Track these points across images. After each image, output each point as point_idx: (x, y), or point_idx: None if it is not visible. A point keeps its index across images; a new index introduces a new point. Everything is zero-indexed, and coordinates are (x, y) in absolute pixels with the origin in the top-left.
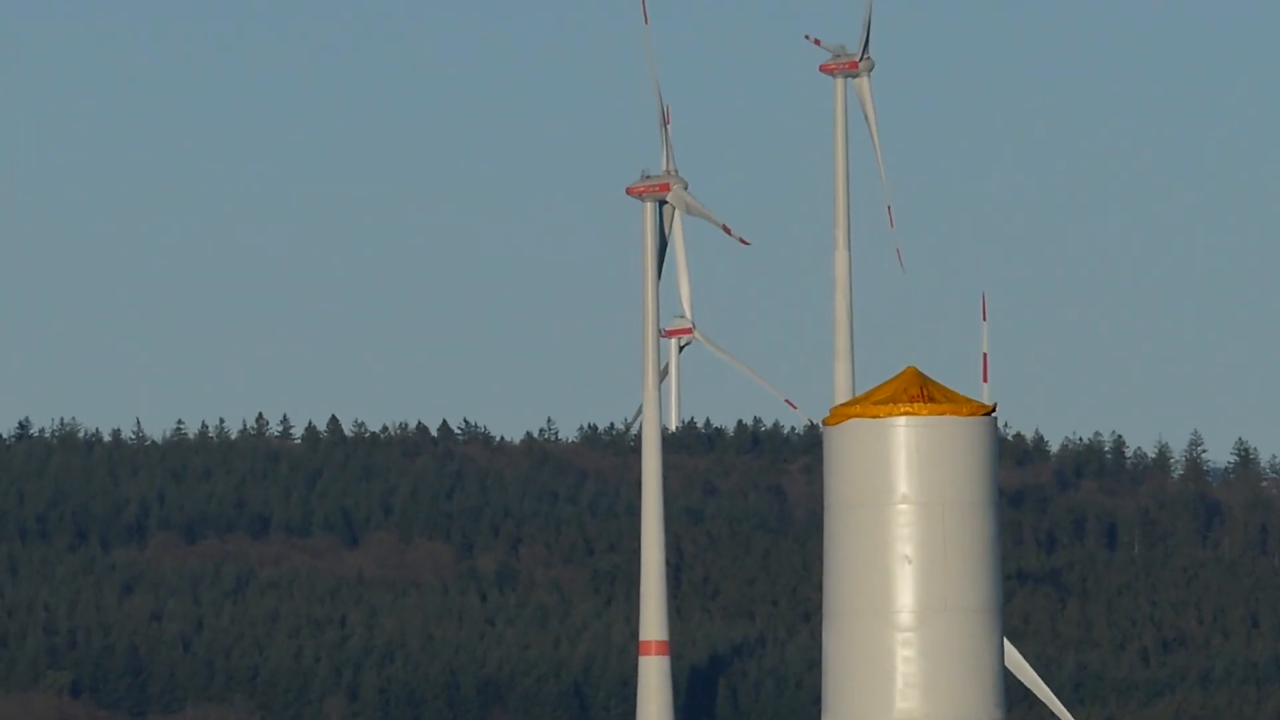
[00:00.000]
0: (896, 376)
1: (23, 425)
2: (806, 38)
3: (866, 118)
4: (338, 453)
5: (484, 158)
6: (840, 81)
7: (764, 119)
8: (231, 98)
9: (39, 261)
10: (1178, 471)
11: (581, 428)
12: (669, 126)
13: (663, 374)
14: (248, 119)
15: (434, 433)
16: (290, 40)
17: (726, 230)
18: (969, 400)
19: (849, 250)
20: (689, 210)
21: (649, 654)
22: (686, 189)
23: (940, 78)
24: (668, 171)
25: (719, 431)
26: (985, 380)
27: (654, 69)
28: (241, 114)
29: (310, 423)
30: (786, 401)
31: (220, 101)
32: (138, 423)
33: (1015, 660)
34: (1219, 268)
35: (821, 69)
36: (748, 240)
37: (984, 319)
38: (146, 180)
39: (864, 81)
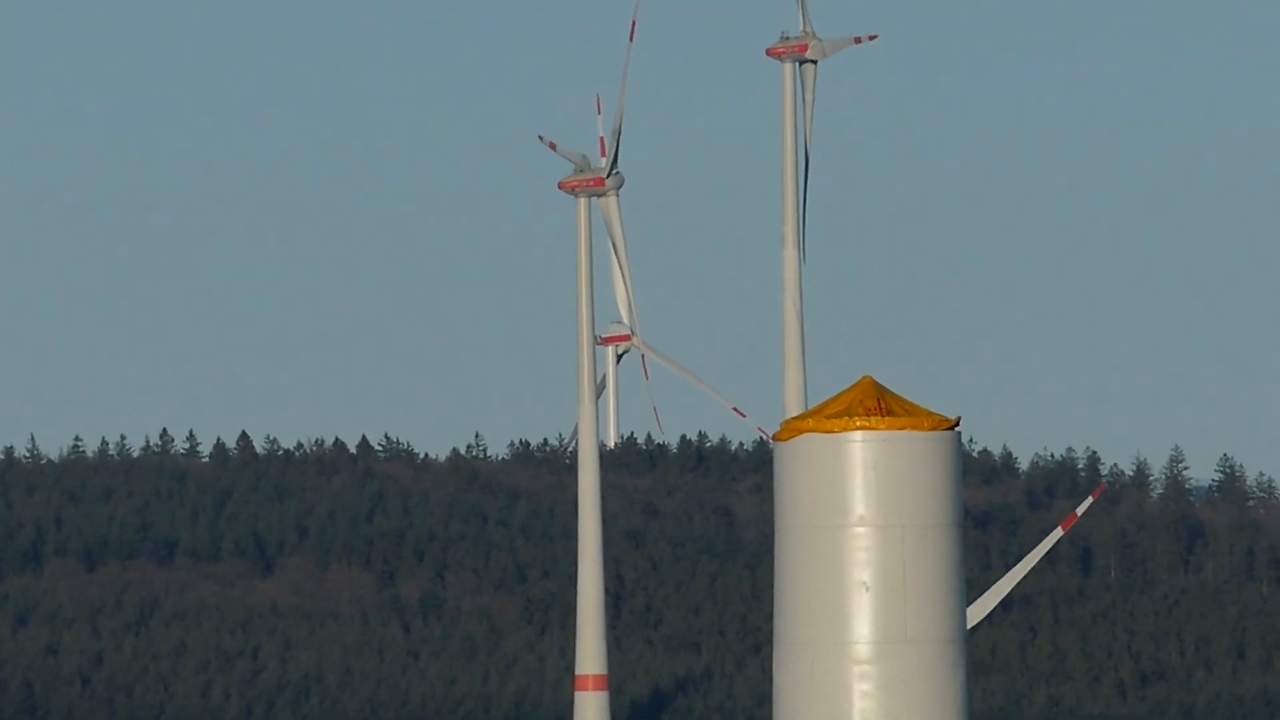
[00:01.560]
0: (852, 387)
1: None
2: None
3: (611, 234)
4: (249, 472)
5: (405, 155)
6: (789, 66)
7: (707, 109)
8: (145, 96)
9: None
10: (1157, 490)
11: (512, 444)
12: (600, 117)
13: (600, 387)
14: (151, 117)
15: (353, 450)
16: (229, 37)
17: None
18: (930, 413)
19: (799, 248)
20: (608, 229)
21: (586, 689)
22: (620, 189)
23: (914, 61)
24: (603, 166)
25: (661, 448)
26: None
27: (625, 73)
28: (145, 112)
29: (219, 440)
30: (734, 410)
31: (130, 104)
32: (32, 439)
33: None
34: (1201, 271)
35: (768, 52)
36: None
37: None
38: (42, 190)
39: (810, 69)
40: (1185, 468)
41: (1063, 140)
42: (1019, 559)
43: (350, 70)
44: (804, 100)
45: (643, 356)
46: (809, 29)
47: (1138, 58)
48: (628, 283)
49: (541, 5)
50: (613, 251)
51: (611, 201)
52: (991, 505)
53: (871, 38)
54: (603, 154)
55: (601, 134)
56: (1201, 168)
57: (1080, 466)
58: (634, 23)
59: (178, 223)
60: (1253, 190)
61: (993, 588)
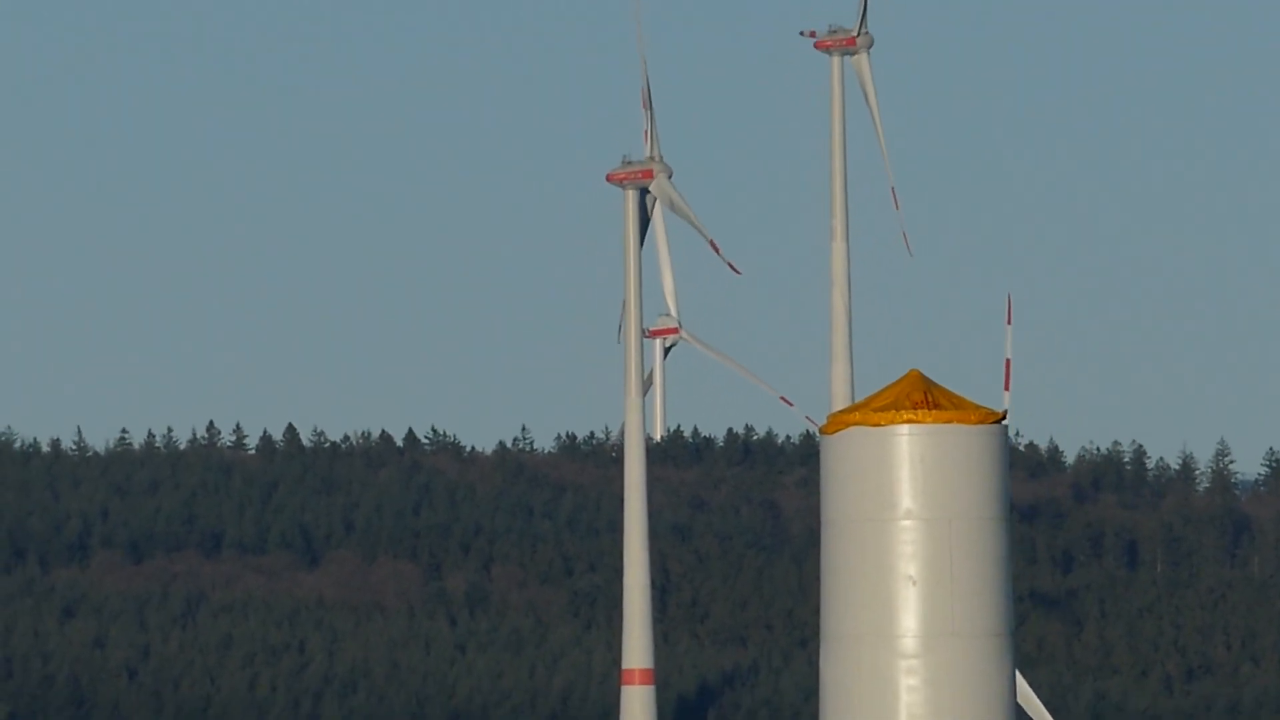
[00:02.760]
0: (899, 380)
1: None
2: (802, 33)
3: (866, 97)
4: (295, 464)
5: (450, 146)
6: (837, 59)
7: (755, 100)
8: (166, 97)
9: None
10: (1203, 484)
11: (559, 437)
12: (652, 109)
13: (647, 383)
14: (191, 118)
15: (399, 443)
16: (247, 38)
17: (715, 248)
18: (978, 407)
19: (847, 241)
20: (672, 207)
21: (632, 683)
22: (670, 178)
23: (951, 60)
24: (651, 157)
25: (708, 441)
26: (1007, 389)
27: (641, 46)
28: (184, 113)
29: (265, 432)
30: (782, 399)
31: (159, 102)
32: (78, 432)
33: (1024, 694)
34: (1246, 264)
35: (817, 46)
36: (738, 269)
37: (1009, 323)
38: (88, 183)
39: (863, 59)
40: (1231, 461)
41: (1109, 130)
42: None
43: (397, 66)
44: (866, 93)
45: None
46: (865, 28)
47: (1186, 60)
48: (672, 276)
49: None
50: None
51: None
52: (1038, 499)
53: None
54: (647, 147)
55: (646, 127)
56: (1255, 153)
57: (1126, 460)
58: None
59: (224, 216)
60: None
61: (1039, 708)
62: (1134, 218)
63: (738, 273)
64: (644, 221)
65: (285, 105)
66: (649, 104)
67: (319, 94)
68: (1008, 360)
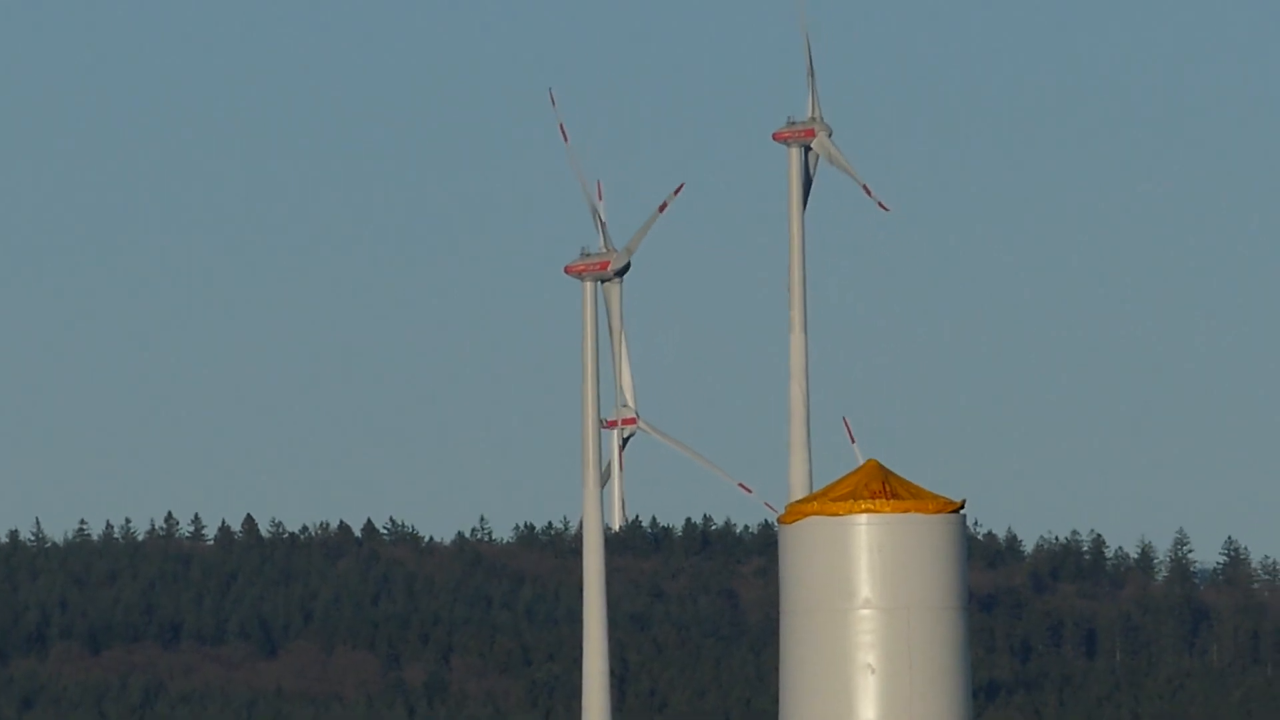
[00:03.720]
0: (857, 470)
1: None
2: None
3: (839, 162)
4: (253, 555)
5: (408, 237)
6: (795, 150)
7: (712, 193)
8: (116, 174)
9: None
10: (1162, 573)
11: (517, 527)
12: (601, 203)
13: (605, 475)
14: (146, 203)
15: (357, 533)
16: (215, 100)
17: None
18: (935, 496)
19: (805, 333)
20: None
21: None
22: (625, 274)
23: (909, 143)
24: (606, 249)
25: (666, 530)
26: (854, 442)
27: (574, 163)
28: (141, 198)
29: (224, 522)
30: (740, 485)
31: (107, 186)
32: (37, 523)
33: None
34: (1205, 355)
35: (775, 137)
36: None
37: (853, 441)
38: (45, 277)
39: (825, 141)
40: (1190, 551)
41: (1064, 227)
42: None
43: (360, 162)
44: (839, 163)
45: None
46: (817, 115)
47: (1146, 161)
48: (627, 367)
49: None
50: (613, 336)
51: (616, 288)
52: (996, 588)
53: (881, 206)
54: (601, 240)
55: (603, 219)
56: (1200, 263)
57: (1085, 549)
58: (666, 203)
59: (181, 311)
60: (1254, 279)
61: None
62: (1092, 312)
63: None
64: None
65: (239, 195)
66: (601, 195)
67: (281, 188)
68: (845, 419)
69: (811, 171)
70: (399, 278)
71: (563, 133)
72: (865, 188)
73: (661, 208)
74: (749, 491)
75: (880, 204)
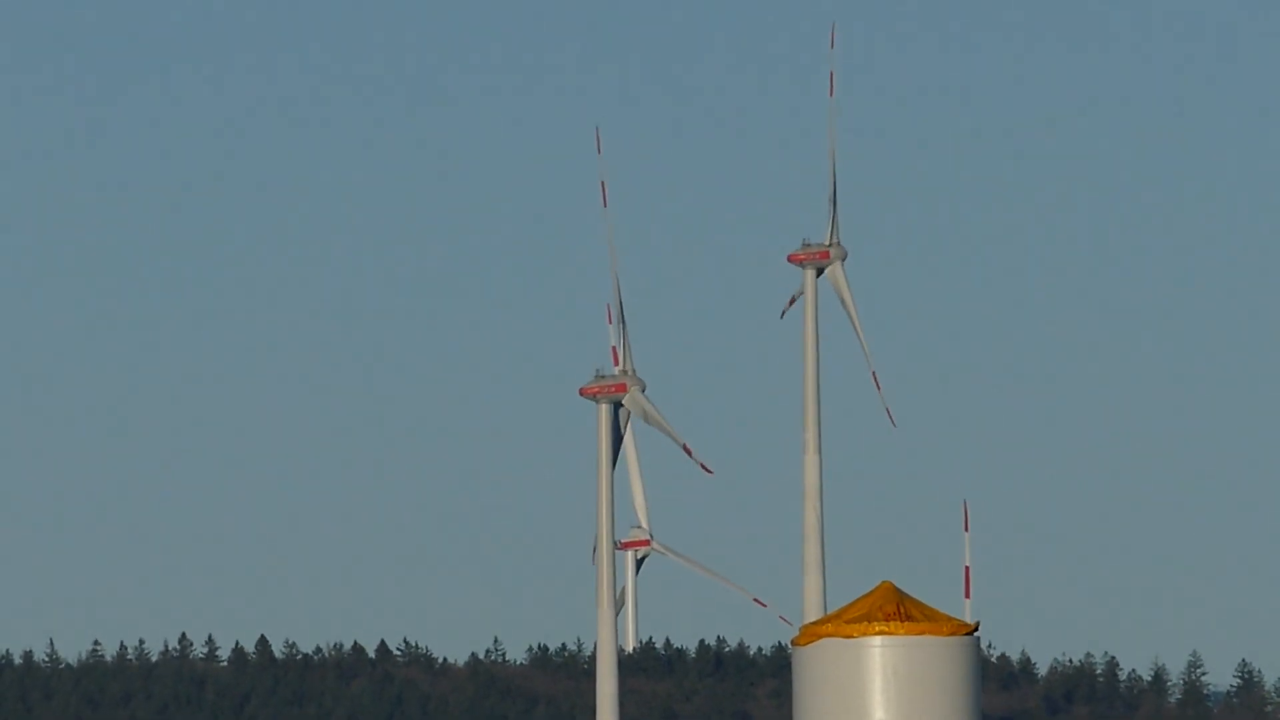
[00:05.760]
0: (871, 592)
1: None
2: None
3: (845, 303)
4: (267, 676)
5: (420, 353)
6: (810, 272)
7: (727, 315)
8: (97, 225)
9: None
10: (1175, 695)
11: (531, 648)
12: (625, 323)
13: (619, 601)
14: (133, 276)
15: (371, 654)
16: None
17: (687, 451)
18: (949, 618)
19: (820, 454)
20: (646, 419)
21: None
22: (644, 391)
23: (916, 269)
24: (623, 371)
25: (679, 652)
26: (968, 597)
27: (613, 260)
28: (127, 270)
29: (237, 643)
30: (755, 600)
31: (88, 247)
32: (51, 644)
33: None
34: (1217, 475)
35: (790, 259)
36: (710, 468)
37: (966, 529)
38: (48, 386)
39: (838, 269)
40: (1204, 673)
41: (1077, 330)
42: None
43: (367, 261)
44: (844, 299)
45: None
46: (836, 239)
47: (1145, 221)
48: (642, 489)
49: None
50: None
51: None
52: (1010, 711)
53: (705, 468)
54: (615, 362)
55: (614, 344)
56: (1207, 354)
57: (1099, 672)
58: (603, 184)
59: (196, 434)
60: (1257, 384)
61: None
62: (1103, 434)
63: (710, 472)
64: (617, 436)
65: (232, 278)
66: (622, 318)
67: (277, 278)
68: (967, 568)
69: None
70: (413, 399)
71: (603, 193)
72: (685, 447)
73: (686, 449)
74: (764, 605)
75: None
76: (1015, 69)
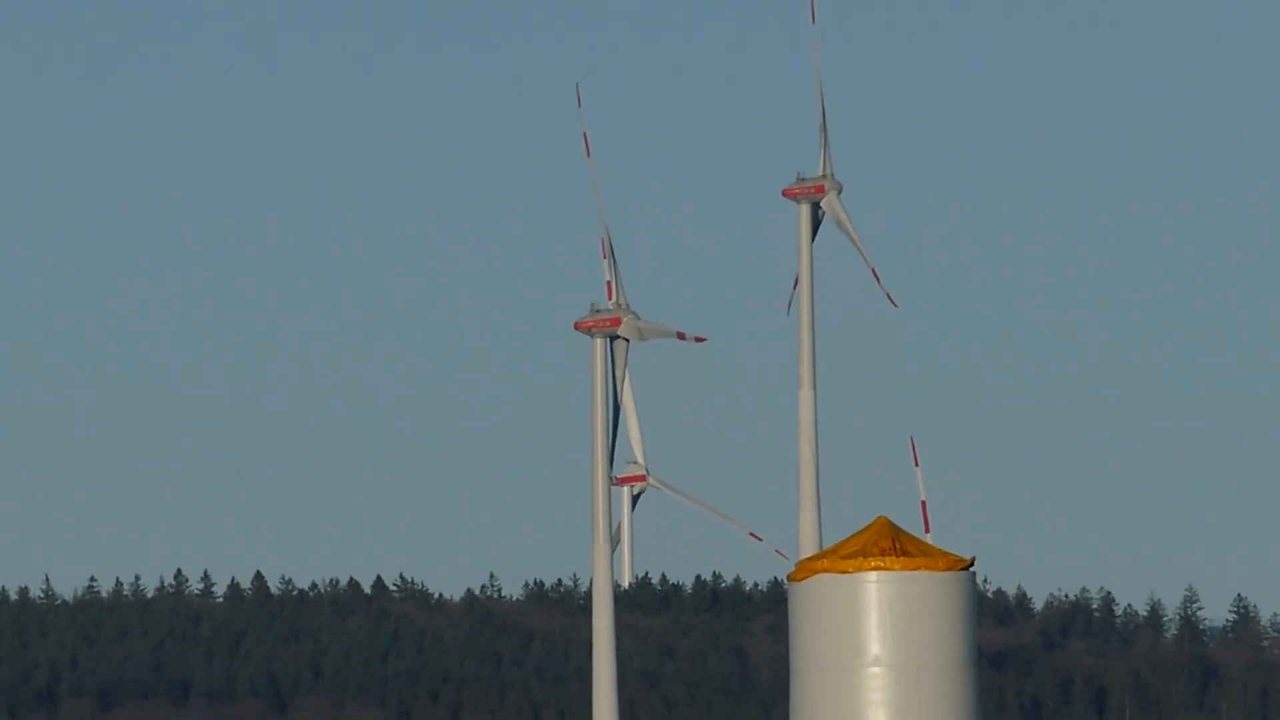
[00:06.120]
0: (867, 527)
1: None
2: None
3: (846, 231)
4: (263, 612)
5: (416, 294)
6: (805, 207)
7: (721, 247)
8: (107, 227)
9: None
10: (1171, 631)
11: (527, 584)
12: (614, 258)
13: (615, 538)
14: (149, 258)
15: (367, 590)
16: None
17: (681, 336)
18: (945, 553)
19: (814, 389)
20: (642, 336)
21: None
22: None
23: (917, 201)
24: (617, 305)
25: (676, 588)
26: (927, 531)
27: (599, 196)
28: (143, 253)
29: (233, 580)
30: (752, 535)
31: (102, 226)
32: (46, 580)
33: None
34: (1215, 412)
35: (785, 193)
36: (703, 337)
37: (916, 465)
38: (44, 325)
39: (834, 199)
40: (1199, 608)
41: (1073, 281)
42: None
43: (379, 213)
44: (846, 229)
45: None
46: (829, 171)
47: (1152, 225)
48: (638, 424)
49: (551, 154)
50: (622, 393)
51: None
52: (1006, 646)
53: (698, 339)
54: (609, 297)
55: (608, 278)
56: (1206, 332)
57: (1095, 607)
58: (585, 135)
59: (188, 364)
60: (1264, 349)
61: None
62: (1103, 375)
63: (703, 339)
64: (613, 375)
65: (242, 252)
66: (612, 255)
67: (282, 254)
68: (923, 502)
69: (821, 224)
70: (411, 336)
71: (585, 144)
72: (874, 272)
73: (679, 335)
74: (760, 540)
75: (889, 297)
76: None
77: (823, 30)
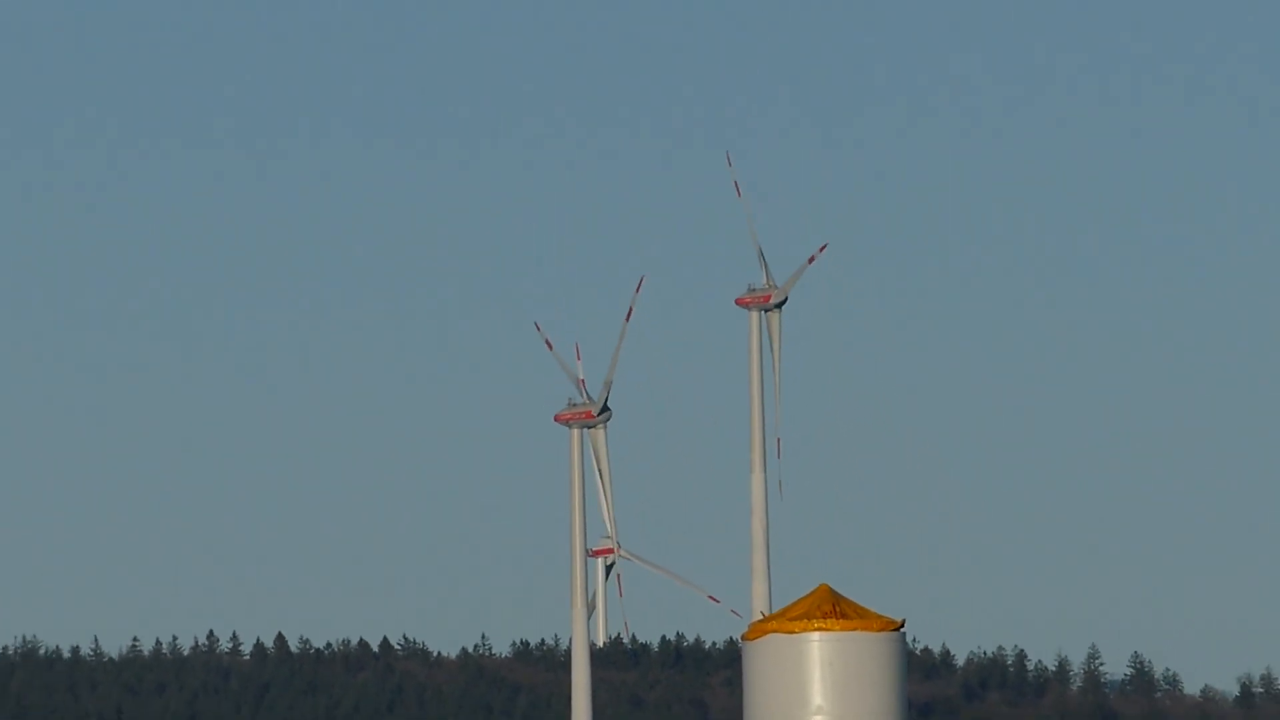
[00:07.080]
0: (811, 593)
1: None
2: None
3: (772, 348)
4: (284, 668)
5: (418, 383)
6: (755, 314)
7: (682, 350)
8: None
9: None
10: (1077, 684)
11: (514, 643)
12: (580, 362)
13: (591, 605)
14: (147, 305)
15: (375, 649)
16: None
17: (630, 313)
18: (879, 616)
19: (765, 473)
20: (598, 462)
21: None
22: (608, 423)
23: (857, 318)
24: (588, 400)
25: (644, 647)
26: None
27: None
28: (141, 299)
29: (258, 640)
30: (710, 597)
31: (92, 273)
32: (95, 640)
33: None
34: (1110, 484)
35: (737, 302)
36: (717, 599)
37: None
38: (88, 395)
39: (774, 315)
40: (1101, 663)
41: (993, 356)
42: None
43: (370, 290)
44: (771, 343)
45: (618, 577)
46: (771, 281)
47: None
48: (610, 503)
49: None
50: (599, 476)
51: (600, 434)
52: (933, 697)
53: (820, 249)
54: (581, 393)
55: (581, 376)
56: (1112, 405)
57: (1009, 663)
58: (631, 308)
59: (218, 444)
60: (1160, 430)
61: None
62: (1016, 450)
63: (716, 601)
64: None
65: (249, 308)
66: (580, 357)
67: (287, 310)
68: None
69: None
70: (410, 428)
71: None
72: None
73: (628, 315)
74: (718, 602)
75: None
76: None
77: (746, 195)
